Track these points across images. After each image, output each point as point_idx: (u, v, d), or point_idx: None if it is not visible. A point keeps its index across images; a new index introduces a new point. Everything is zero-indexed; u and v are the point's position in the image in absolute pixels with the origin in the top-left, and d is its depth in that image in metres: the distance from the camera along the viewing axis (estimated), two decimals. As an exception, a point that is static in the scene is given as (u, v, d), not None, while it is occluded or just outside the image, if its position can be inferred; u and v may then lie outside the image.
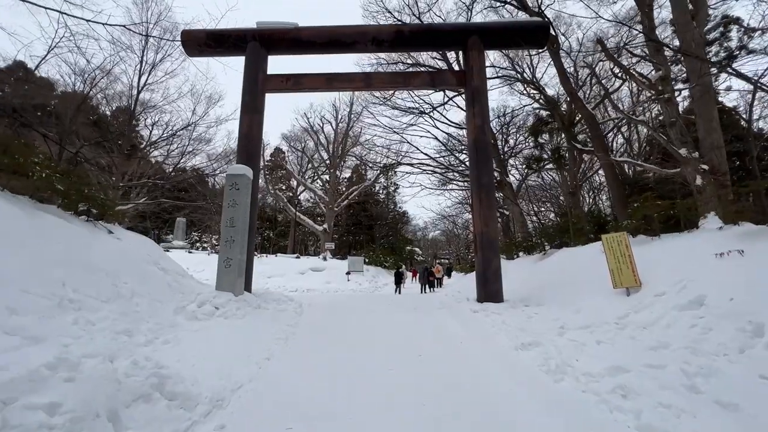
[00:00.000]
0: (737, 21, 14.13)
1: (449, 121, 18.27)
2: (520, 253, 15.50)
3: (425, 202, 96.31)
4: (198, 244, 36.43)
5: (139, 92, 12.10)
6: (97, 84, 11.37)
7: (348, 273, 20.11)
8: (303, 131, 31.57)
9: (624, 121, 20.30)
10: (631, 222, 7.93)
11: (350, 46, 9.92)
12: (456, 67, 18.17)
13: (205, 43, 9.89)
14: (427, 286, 18.13)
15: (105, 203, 8.62)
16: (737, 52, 12.98)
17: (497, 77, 15.97)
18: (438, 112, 18.06)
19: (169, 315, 6.37)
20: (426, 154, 18.92)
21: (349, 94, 27.23)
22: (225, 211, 7.68)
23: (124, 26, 6.29)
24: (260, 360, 4.45)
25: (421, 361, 4.37)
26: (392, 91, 18.00)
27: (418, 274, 24.39)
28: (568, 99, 17.44)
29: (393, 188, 44.95)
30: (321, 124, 30.27)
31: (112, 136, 12.76)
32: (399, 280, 17.63)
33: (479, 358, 4.34)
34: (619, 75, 19.67)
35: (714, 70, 11.37)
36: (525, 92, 21.30)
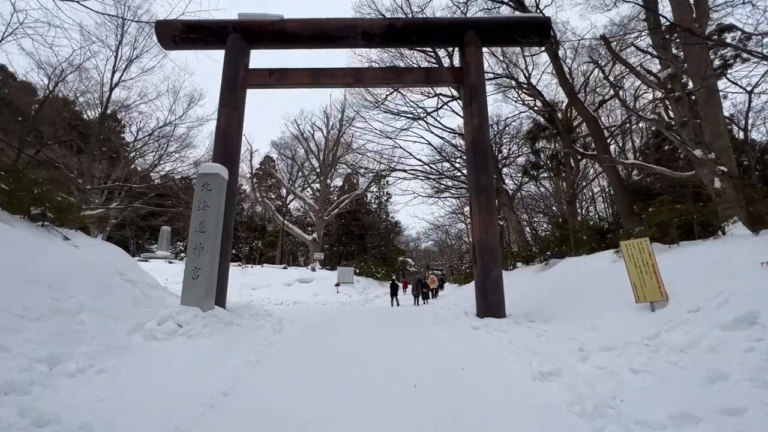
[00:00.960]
0: (731, 28, 13.89)
1: (443, 126, 17.72)
2: (518, 264, 14.80)
3: (418, 212, 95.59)
4: (183, 254, 35.11)
5: (112, 89, 11.24)
6: (65, 79, 10.48)
7: (337, 285, 19.16)
8: (293, 138, 30.87)
9: (619, 129, 20.00)
10: (644, 229, 7.26)
11: (339, 41, 9.26)
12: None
13: (181, 34, 9.13)
14: (420, 297, 17.38)
15: (61, 206, 7.70)
16: (732, 61, 12.69)
17: (492, 78, 15.48)
18: (432, 117, 17.53)
19: (122, 334, 5.44)
20: (419, 160, 18.30)
21: (340, 99, 26.64)
22: (194, 214, 6.81)
23: (77, 1, 5.50)
24: (217, 395, 3.56)
25: (418, 394, 3.54)
26: (385, 92, 17.43)
27: (409, 286, 23.51)
28: (566, 103, 17.08)
29: (385, 198, 44.36)
30: (312, 131, 29.61)
31: (81, 136, 11.82)
32: (395, 291, 16.96)
33: (489, 391, 3.52)
34: (615, 83, 19.38)
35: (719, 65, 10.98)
36: (520, 99, 20.93)
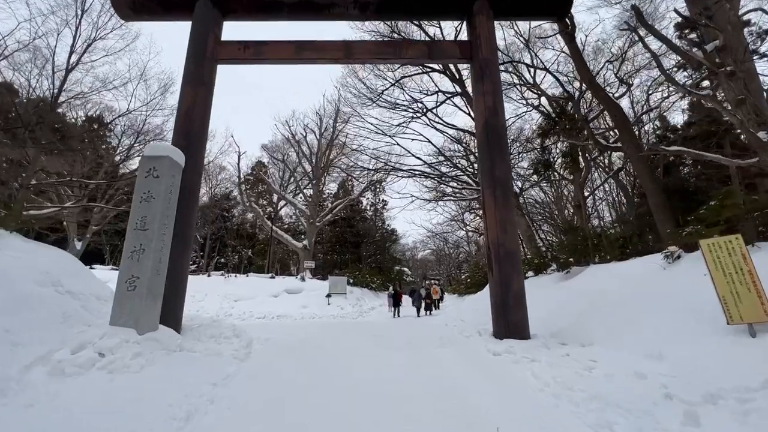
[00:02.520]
0: (747, 23, 12.81)
1: (445, 122, 16.37)
2: (529, 273, 13.35)
3: (415, 218, 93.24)
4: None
5: (68, 71, 9.78)
6: (9, 57, 9.02)
7: (328, 296, 17.56)
8: (284, 141, 29.46)
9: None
10: (700, 228, 5.85)
11: (327, 11, 7.91)
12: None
13: (141, 0, 7.76)
14: (422, 309, 16.49)
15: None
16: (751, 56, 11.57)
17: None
18: (434, 113, 16.24)
19: (15, 369, 3.89)
20: (419, 158, 16.91)
21: (334, 96, 25.33)
22: (134, 207, 5.30)
23: None
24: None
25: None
26: (381, 86, 16.12)
27: (404, 297, 22.19)
28: (577, 97, 15.85)
29: (381, 205, 43.02)
30: (304, 133, 28.21)
31: (26, 124, 10.29)
32: (397, 301, 16.37)
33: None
34: (625, 80, 18.17)
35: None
36: (523, 98, 19.78)
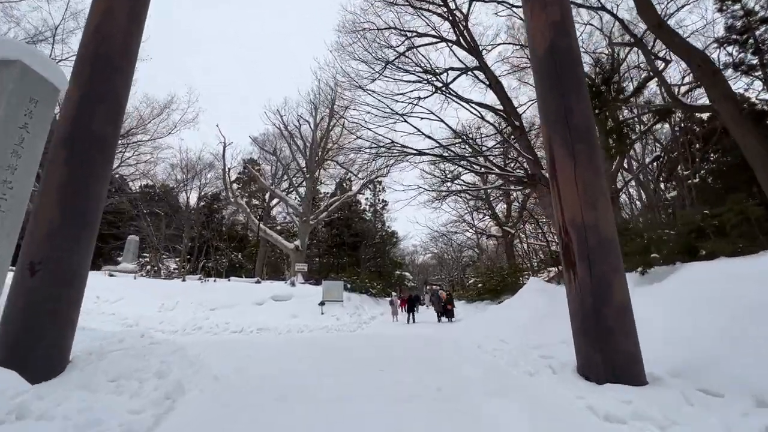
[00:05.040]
0: None
1: (461, 97, 14.01)
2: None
3: (419, 217, 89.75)
4: (149, 266, 30.76)
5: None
6: None
7: (322, 303, 15.08)
8: (277, 133, 27.07)
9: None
10: None
11: None
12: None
13: None
14: (443, 315, 15.78)
15: None
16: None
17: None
18: (450, 89, 13.97)
19: None
20: (431, 138, 14.44)
21: (331, 87, 23.01)
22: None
23: None
24: None
25: None
26: (386, 57, 13.84)
27: (406, 304, 20.34)
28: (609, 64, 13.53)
29: (381, 206, 40.76)
30: (297, 124, 25.80)
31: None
32: (412, 307, 15.67)
33: None
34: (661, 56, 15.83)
35: None
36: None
